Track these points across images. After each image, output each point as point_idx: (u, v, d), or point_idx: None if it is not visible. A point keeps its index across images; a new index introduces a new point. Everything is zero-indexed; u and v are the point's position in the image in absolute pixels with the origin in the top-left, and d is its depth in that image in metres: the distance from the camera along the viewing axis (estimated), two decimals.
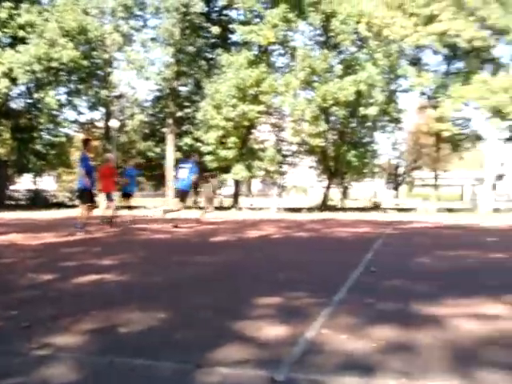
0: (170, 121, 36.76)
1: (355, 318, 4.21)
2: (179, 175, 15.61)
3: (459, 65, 35.79)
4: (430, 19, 32.21)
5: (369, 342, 3.52)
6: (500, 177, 39.17)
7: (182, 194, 15.60)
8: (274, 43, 32.85)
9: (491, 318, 4.25)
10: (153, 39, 36.38)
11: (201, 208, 19.19)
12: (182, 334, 3.77)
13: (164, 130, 38.19)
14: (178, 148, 36.90)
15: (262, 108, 32.20)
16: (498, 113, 31.55)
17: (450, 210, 33.26)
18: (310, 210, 32.30)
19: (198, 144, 33.44)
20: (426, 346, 3.48)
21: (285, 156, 39.15)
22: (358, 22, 31.98)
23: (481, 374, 2.96)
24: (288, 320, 4.12)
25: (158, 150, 39.41)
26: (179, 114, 37.47)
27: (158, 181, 41.80)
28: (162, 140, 38.57)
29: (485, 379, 2.89)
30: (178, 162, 34.67)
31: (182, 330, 3.88)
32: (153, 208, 27.13)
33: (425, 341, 3.58)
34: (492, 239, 12.23)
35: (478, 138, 37.20)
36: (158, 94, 39.97)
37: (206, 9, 36.60)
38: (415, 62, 35.42)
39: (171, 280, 6.22)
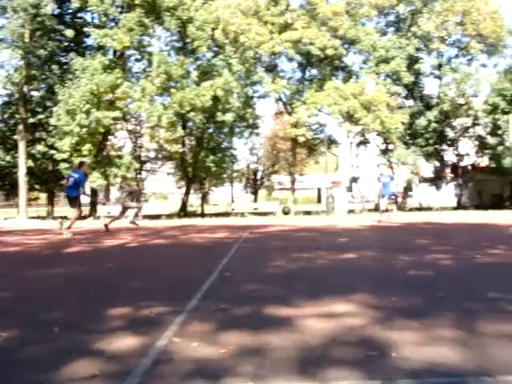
0: (21, 127, 35.04)
1: (207, 324, 4.17)
2: (69, 183, 16.16)
3: (313, 72, 37.12)
4: (285, 27, 33.19)
5: (219, 348, 3.49)
6: (355, 179, 40.88)
7: (72, 201, 16.04)
8: (129, 48, 32.35)
9: (339, 316, 4.37)
10: (0, 40, 34.55)
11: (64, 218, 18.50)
12: (27, 353, 3.55)
13: (15, 136, 36.37)
14: (31, 156, 35.31)
15: (117, 114, 31.57)
16: (349, 118, 33.01)
17: (307, 213, 34.27)
18: (170, 216, 32.11)
19: (52, 151, 32.20)
20: (277, 348, 3.51)
21: (143, 162, 38.72)
22: (214, 29, 32.26)
23: (328, 372, 3.02)
24: (139, 330, 4.02)
25: (8, 157, 37.47)
26: (31, 120, 35.81)
27: (10, 190, 39.88)
28: (13, 147, 36.73)
29: (332, 377, 2.95)
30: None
31: (27, 348, 3.65)
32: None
33: (276, 343, 3.61)
34: (344, 240, 12.68)
35: (333, 142, 38.74)
36: (6, 98, 38.01)
37: (58, 11, 35.34)
38: (271, 69, 36.28)
39: (18, 295, 5.89)
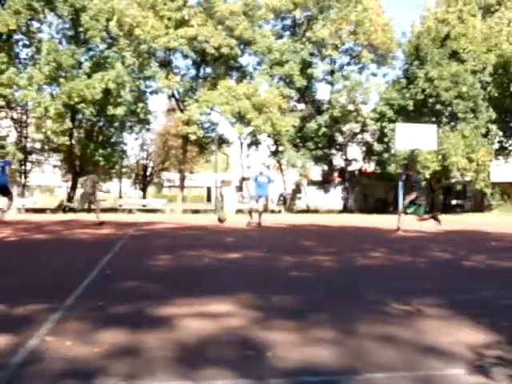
0: None
1: (84, 323, 4.04)
2: None
3: (208, 70, 37.08)
4: (181, 23, 32.97)
5: (93, 348, 3.38)
6: (245, 179, 41.20)
7: (3, 189, 16.24)
8: (16, 32, 30.96)
9: (219, 315, 4.36)
10: None
11: None
12: None
13: None
14: None
15: (0, 102, 30.24)
16: (241, 118, 33.22)
17: (195, 211, 34.20)
18: (55, 211, 31.09)
19: None
20: (153, 347, 3.44)
21: (28, 153, 37.33)
22: (108, 20, 31.52)
23: (203, 371, 3.00)
24: (11, 329, 3.81)
25: None
26: None
27: None
28: None
29: (206, 376, 2.93)
30: None
31: None
32: None
33: (152, 342, 3.55)
34: (231, 239, 12.74)
35: (224, 141, 38.83)
36: None
37: None
38: (165, 64, 35.95)
39: None
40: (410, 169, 16.67)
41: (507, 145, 38.45)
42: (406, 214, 15.40)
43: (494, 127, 33.25)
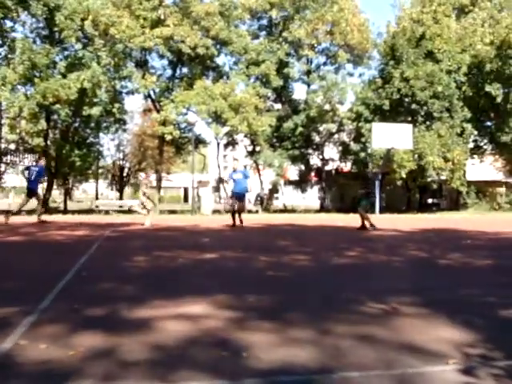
0: None
1: (59, 326, 4.00)
2: (29, 176, 17.89)
3: (184, 70, 36.96)
4: (157, 23, 32.83)
5: (69, 351, 3.34)
6: (222, 180, 41.11)
7: (30, 193, 18.07)
8: None
9: (195, 316, 4.34)
10: None
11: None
12: None
13: None
14: None
15: None
16: (218, 118, 33.16)
17: (172, 212, 34.05)
18: (30, 212, 30.74)
19: None
20: (129, 349, 3.41)
21: (2, 154, 36.90)
22: (83, 19, 31.24)
23: (178, 373, 2.99)
24: None
25: None
26: None
27: None
28: None
29: (181, 378, 2.92)
30: None
31: None
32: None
33: (128, 345, 3.52)
34: (207, 239, 12.69)
35: (201, 141, 38.72)
36: None
37: None
38: (141, 65, 35.77)
39: None
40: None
41: (482, 144, 38.84)
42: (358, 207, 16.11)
43: (468, 126, 33.48)
